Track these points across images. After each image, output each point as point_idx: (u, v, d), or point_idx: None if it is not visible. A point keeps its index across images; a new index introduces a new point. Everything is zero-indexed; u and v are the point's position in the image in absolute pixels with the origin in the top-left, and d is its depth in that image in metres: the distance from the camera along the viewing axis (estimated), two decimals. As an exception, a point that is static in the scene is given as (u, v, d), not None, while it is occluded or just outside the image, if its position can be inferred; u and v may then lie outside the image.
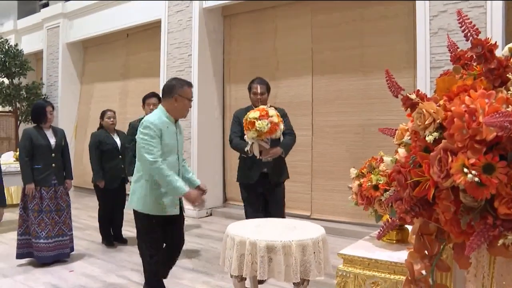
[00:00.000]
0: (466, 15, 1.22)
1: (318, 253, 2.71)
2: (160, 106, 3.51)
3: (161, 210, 3.37)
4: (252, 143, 4.04)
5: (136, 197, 3.39)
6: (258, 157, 4.06)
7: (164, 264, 3.62)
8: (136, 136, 3.40)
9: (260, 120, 3.82)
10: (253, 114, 3.88)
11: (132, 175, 4.84)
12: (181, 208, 3.57)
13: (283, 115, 4.35)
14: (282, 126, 3.99)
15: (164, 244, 3.59)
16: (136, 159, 3.47)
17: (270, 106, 4.06)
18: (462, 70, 1.28)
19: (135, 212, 3.44)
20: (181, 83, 3.45)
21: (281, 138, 4.27)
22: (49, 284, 4.16)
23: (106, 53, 10.21)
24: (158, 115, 3.37)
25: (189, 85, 3.50)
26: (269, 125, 3.83)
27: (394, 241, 2.32)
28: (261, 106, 4.00)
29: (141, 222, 3.44)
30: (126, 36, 9.60)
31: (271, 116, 3.88)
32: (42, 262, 4.60)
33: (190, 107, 3.52)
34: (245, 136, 4.01)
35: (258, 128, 3.81)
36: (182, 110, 3.45)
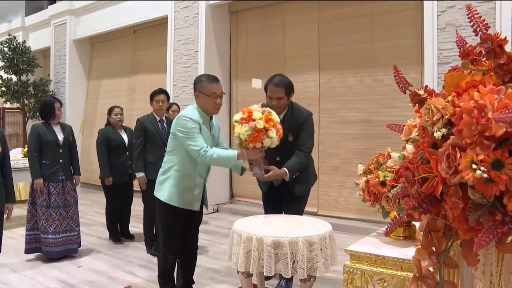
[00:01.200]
0: (476, 10, 1.20)
1: (325, 249, 2.71)
2: (193, 105, 3.39)
3: (186, 204, 3.31)
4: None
5: (163, 187, 3.33)
6: (250, 171, 3.38)
7: (183, 269, 3.58)
8: (172, 131, 3.30)
9: (240, 124, 3.13)
10: (237, 115, 3.19)
11: (139, 171, 4.89)
12: (201, 207, 3.49)
13: (302, 121, 3.67)
14: (274, 134, 3.10)
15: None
16: (167, 152, 3.41)
17: (263, 106, 3.28)
18: (471, 65, 1.26)
19: (158, 202, 3.36)
20: (200, 79, 3.36)
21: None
22: (57, 279, 4.19)
23: (113, 50, 10.24)
24: (193, 111, 3.28)
25: (210, 79, 3.33)
26: (249, 131, 3.07)
27: (401, 238, 2.31)
28: (252, 106, 3.23)
29: (163, 214, 3.35)
30: (133, 33, 9.61)
31: (254, 120, 3.08)
32: (50, 257, 4.64)
33: (217, 103, 3.30)
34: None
35: (236, 134, 3.14)
36: (205, 106, 3.29)
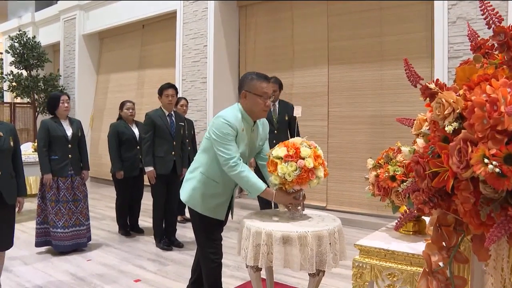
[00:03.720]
0: (489, 2, 1.19)
1: (334, 244, 2.70)
2: (236, 104, 3.04)
3: (208, 211, 3.04)
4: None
5: (186, 186, 3.11)
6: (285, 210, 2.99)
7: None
8: (208, 131, 2.98)
9: (285, 162, 2.73)
10: (278, 151, 2.78)
11: (148, 166, 4.91)
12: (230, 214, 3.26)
13: (291, 106, 3.61)
14: (321, 174, 2.78)
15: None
16: (199, 151, 3.14)
17: (304, 140, 2.85)
18: (483, 59, 1.25)
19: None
20: (252, 76, 2.93)
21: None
22: (67, 272, 4.23)
23: (122, 44, 10.27)
24: (234, 114, 2.92)
25: (262, 78, 2.93)
26: (298, 172, 2.70)
27: (411, 233, 2.30)
28: (295, 140, 2.84)
29: (193, 217, 3.13)
30: (142, 27, 9.63)
31: (303, 158, 2.73)
32: (60, 250, 4.68)
33: (267, 105, 2.93)
34: (268, 179, 2.90)
35: (280, 174, 2.72)
36: (252, 108, 2.92)
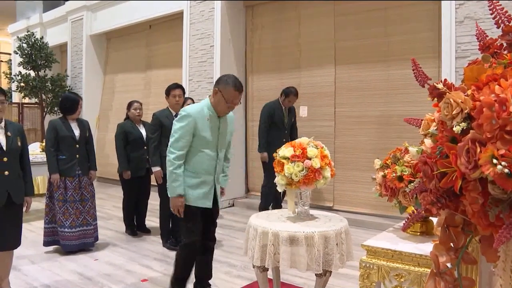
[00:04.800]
0: (498, 1, 1.18)
1: (340, 244, 2.70)
2: (207, 97, 3.38)
3: (194, 201, 3.26)
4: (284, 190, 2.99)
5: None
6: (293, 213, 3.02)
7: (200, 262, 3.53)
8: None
9: (291, 162, 2.77)
10: (285, 151, 2.82)
11: (155, 166, 4.92)
12: (216, 202, 3.44)
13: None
14: (328, 174, 2.82)
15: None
16: None
17: (311, 140, 2.94)
18: (491, 58, 1.24)
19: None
20: (229, 81, 3.23)
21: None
22: (75, 272, 4.25)
23: (129, 45, 10.30)
24: (200, 106, 3.28)
25: (237, 87, 3.23)
26: (305, 172, 2.74)
27: (418, 233, 2.29)
28: (302, 140, 2.91)
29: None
30: (149, 28, 9.65)
31: (310, 158, 2.76)
32: (67, 250, 4.71)
33: (230, 108, 3.28)
34: (275, 179, 2.96)
35: (287, 174, 2.75)
36: (217, 106, 3.25)
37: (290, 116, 6.22)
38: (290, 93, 6.08)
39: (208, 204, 3.32)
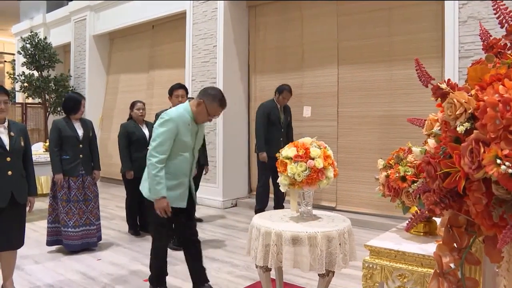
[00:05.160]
0: (501, 1, 1.18)
1: (343, 244, 2.70)
2: (187, 101, 3.48)
3: (171, 201, 3.35)
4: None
5: (146, 184, 3.42)
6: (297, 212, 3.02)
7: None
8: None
9: (294, 162, 2.75)
10: (288, 151, 2.80)
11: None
12: (193, 202, 3.59)
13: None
14: (331, 174, 2.82)
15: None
16: None
17: (314, 140, 2.92)
18: (495, 58, 1.24)
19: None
20: (216, 98, 3.34)
21: None
22: (78, 272, 4.25)
23: (132, 45, 10.31)
24: (181, 111, 3.36)
25: (222, 104, 3.38)
26: (308, 172, 2.73)
27: (422, 233, 2.29)
28: (305, 140, 2.89)
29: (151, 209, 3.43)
30: (152, 28, 9.66)
31: (313, 158, 2.75)
32: (70, 249, 4.72)
33: (209, 121, 3.48)
34: (278, 179, 2.93)
35: (290, 174, 2.74)
36: (198, 115, 3.37)
37: (286, 115, 6.27)
38: (283, 90, 6.13)
39: (183, 204, 3.45)
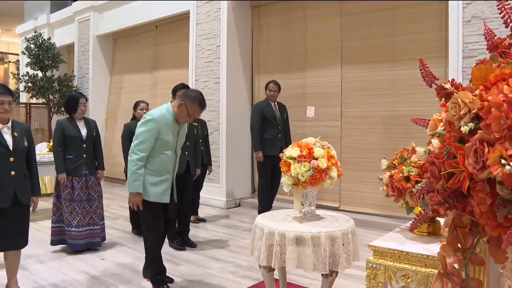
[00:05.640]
0: (506, 0, 1.17)
1: (347, 244, 2.69)
2: (169, 102, 3.68)
3: (155, 197, 3.59)
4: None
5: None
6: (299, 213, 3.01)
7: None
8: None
9: (298, 162, 2.75)
10: (291, 151, 2.81)
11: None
12: (174, 196, 3.83)
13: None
14: (335, 174, 2.82)
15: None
16: None
17: (318, 140, 2.92)
18: (499, 58, 1.23)
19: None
20: (196, 99, 3.58)
21: None
22: (82, 271, 4.26)
23: (135, 45, 10.33)
24: (163, 111, 3.57)
25: (202, 106, 3.63)
26: (311, 172, 2.73)
27: (425, 234, 2.28)
28: (308, 140, 2.89)
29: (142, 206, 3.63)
30: (155, 28, 9.67)
31: (316, 158, 2.75)
32: (74, 249, 4.73)
33: (189, 122, 3.73)
34: (281, 179, 2.92)
35: (293, 174, 2.74)
36: (179, 116, 3.58)
37: (282, 113, 6.30)
38: (268, 83, 6.28)
39: (166, 199, 3.68)
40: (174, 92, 5.08)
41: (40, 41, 10.67)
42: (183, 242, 5.07)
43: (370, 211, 6.20)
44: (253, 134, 6.16)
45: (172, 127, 3.57)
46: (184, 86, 5.11)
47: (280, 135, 6.09)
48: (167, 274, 3.93)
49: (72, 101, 4.79)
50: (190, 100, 3.56)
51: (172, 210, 3.90)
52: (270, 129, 6.09)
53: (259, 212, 5.81)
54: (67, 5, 12.04)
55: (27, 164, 3.54)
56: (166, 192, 3.66)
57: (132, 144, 3.52)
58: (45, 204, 6.76)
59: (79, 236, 4.71)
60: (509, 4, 1.17)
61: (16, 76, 11.57)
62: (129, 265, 4.47)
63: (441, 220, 2.21)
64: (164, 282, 3.80)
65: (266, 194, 6.18)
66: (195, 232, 5.65)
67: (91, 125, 4.91)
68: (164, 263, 4.51)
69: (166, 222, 3.84)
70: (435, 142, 1.29)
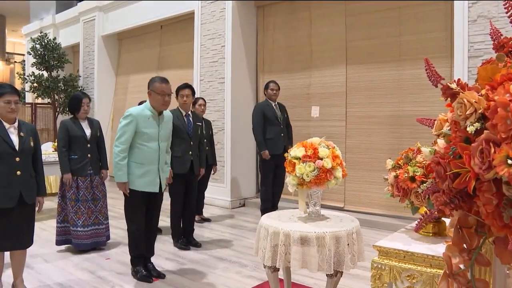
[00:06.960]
0: (512, 0, 1.17)
1: (352, 244, 2.69)
2: (148, 100, 3.96)
3: (143, 186, 3.85)
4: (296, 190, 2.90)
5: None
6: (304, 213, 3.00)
7: (145, 239, 4.08)
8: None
9: (303, 162, 2.75)
10: (296, 151, 2.80)
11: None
12: (161, 188, 4.03)
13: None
14: (340, 174, 2.80)
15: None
16: None
17: (323, 140, 2.90)
18: (506, 58, 1.23)
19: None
20: (154, 79, 3.93)
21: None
22: (87, 271, 4.28)
23: (140, 45, 10.35)
24: (141, 108, 3.91)
25: (162, 81, 3.90)
26: (316, 172, 2.73)
27: (431, 234, 2.27)
28: (313, 140, 2.88)
29: (126, 196, 3.95)
30: (160, 28, 9.70)
31: (321, 158, 2.75)
32: (80, 249, 4.75)
33: (166, 101, 3.88)
34: (286, 179, 2.92)
35: (298, 174, 2.74)
36: (156, 103, 3.87)
37: (283, 112, 6.28)
38: (268, 83, 6.28)
39: (155, 189, 3.93)
40: (177, 92, 5.08)
41: (46, 41, 10.72)
42: (187, 242, 5.07)
43: (375, 211, 6.18)
44: (256, 135, 6.14)
45: (151, 120, 3.85)
46: (186, 86, 5.12)
47: (282, 134, 6.09)
48: (157, 268, 4.17)
49: (75, 101, 4.82)
50: (151, 83, 3.91)
51: (158, 202, 4.11)
52: (272, 129, 6.08)
53: (262, 212, 5.81)
54: (72, 5, 12.09)
55: (33, 164, 3.55)
56: (152, 182, 3.90)
57: (115, 138, 3.83)
58: (50, 203, 6.79)
59: (85, 236, 4.73)
60: (515, 3, 1.17)
61: (21, 76, 11.63)
62: (134, 265, 4.48)
63: (447, 221, 2.20)
64: (138, 263, 4.06)
65: (268, 194, 6.17)
66: (200, 232, 5.65)
67: (95, 125, 4.94)
68: (168, 262, 4.54)
69: (149, 213, 4.05)
70: (441, 142, 1.28)
